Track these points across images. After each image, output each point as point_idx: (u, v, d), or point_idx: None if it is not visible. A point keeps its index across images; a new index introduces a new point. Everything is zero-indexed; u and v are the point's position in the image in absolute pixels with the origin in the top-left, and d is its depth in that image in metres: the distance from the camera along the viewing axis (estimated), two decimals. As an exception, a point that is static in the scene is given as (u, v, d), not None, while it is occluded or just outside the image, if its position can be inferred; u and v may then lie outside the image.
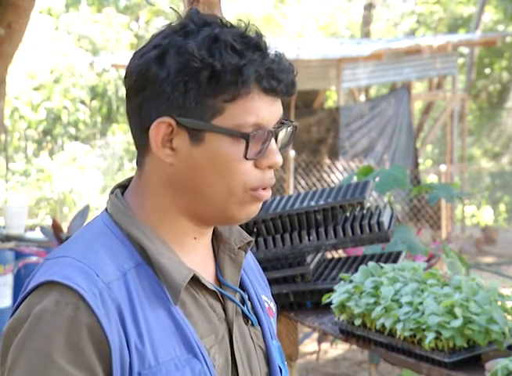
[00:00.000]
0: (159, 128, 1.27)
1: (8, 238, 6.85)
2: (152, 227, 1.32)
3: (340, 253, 7.48)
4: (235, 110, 1.26)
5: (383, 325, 2.44)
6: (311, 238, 2.91)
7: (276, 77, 1.27)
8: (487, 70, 22.03)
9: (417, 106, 18.11)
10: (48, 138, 15.63)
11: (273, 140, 1.30)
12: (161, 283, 1.28)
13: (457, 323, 2.23)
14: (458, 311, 2.25)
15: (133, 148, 16.87)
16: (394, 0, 24.00)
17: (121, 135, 16.49)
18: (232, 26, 1.30)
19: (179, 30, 1.28)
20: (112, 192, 1.38)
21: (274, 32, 21.53)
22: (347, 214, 2.99)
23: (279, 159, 1.31)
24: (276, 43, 13.98)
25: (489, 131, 22.01)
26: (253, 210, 1.33)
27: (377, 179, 3.63)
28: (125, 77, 1.33)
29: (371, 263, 2.67)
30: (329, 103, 17.68)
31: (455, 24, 22.21)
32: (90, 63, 15.65)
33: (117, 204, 1.34)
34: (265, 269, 1.84)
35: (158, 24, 18.69)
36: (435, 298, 2.35)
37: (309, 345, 7.25)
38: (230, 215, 1.32)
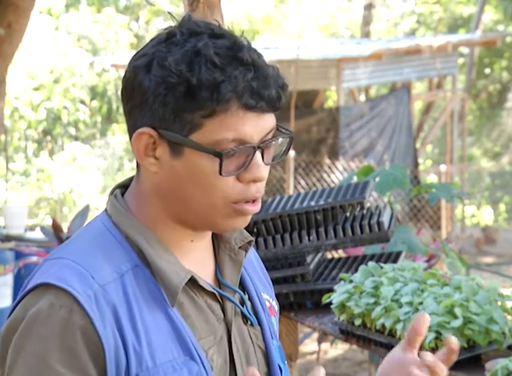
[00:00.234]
0: (141, 138, 1.28)
1: (8, 238, 6.85)
2: (150, 229, 1.32)
3: (340, 253, 7.48)
4: (214, 125, 1.25)
5: (383, 325, 2.44)
6: (311, 238, 2.91)
7: (258, 93, 1.25)
8: (487, 70, 22.03)
9: (417, 106, 18.11)
10: (48, 138, 15.63)
11: (258, 154, 1.28)
12: (159, 285, 1.29)
13: (457, 323, 2.23)
14: (458, 311, 2.25)
15: (133, 148, 16.91)
16: (394, 0, 24.01)
17: (121, 135, 16.48)
18: (222, 36, 1.28)
19: (165, 41, 1.28)
20: (112, 192, 1.38)
21: (274, 32, 21.53)
22: (347, 214, 2.99)
23: (262, 174, 1.29)
24: (276, 43, 13.99)
25: (489, 131, 22.01)
26: (238, 223, 1.32)
27: (377, 179, 3.63)
28: (122, 81, 1.34)
29: (371, 263, 2.67)
30: (329, 103, 17.68)
31: (455, 24, 22.21)
32: (90, 63, 15.66)
33: (117, 206, 1.34)
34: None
35: (158, 24, 18.70)
36: (435, 298, 2.35)
37: (309, 345, 7.26)
38: (216, 226, 1.32)
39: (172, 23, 1.33)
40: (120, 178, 15.08)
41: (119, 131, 16.71)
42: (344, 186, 3.11)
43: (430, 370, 1.28)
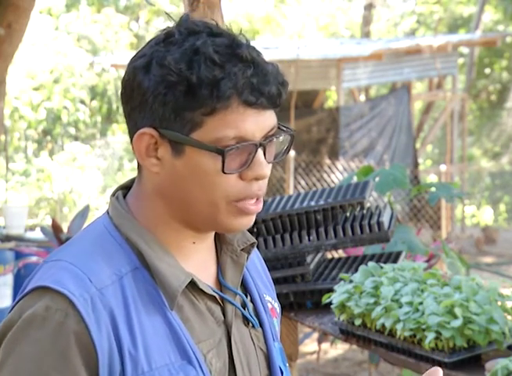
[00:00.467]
0: (142, 139, 1.27)
1: (8, 238, 6.85)
2: (151, 231, 1.31)
3: (340, 253, 7.47)
4: (214, 123, 1.24)
5: (383, 325, 2.44)
6: (311, 238, 2.91)
7: (258, 89, 1.25)
8: (487, 70, 22.03)
9: (417, 106, 18.11)
10: (48, 138, 15.63)
11: (260, 152, 1.28)
12: (158, 288, 1.28)
13: (457, 323, 2.23)
14: (458, 311, 2.25)
15: (133, 148, 16.89)
16: (394, 0, 24.01)
17: (121, 135, 16.48)
18: (220, 34, 1.28)
19: (163, 40, 1.28)
20: (113, 194, 1.37)
21: (274, 32, 21.53)
22: (347, 214, 2.99)
23: (265, 171, 1.28)
24: (276, 43, 13.99)
25: (489, 131, 22.01)
26: (242, 223, 1.31)
27: (377, 179, 3.63)
28: (121, 82, 1.33)
29: (371, 263, 2.67)
30: (329, 103, 17.68)
31: (455, 24, 22.21)
32: (90, 63, 15.66)
33: (118, 208, 1.34)
34: (265, 269, 1.84)
35: (158, 24, 18.69)
36: (435, 298, 2.35)
37: (309, 345, 7.25)
38: (219, 226, 1.31)
39: (170, 24, 1.33)
40: (121, 178, 15.09)
41: (119, 131, 16.71)
42: (344, 186, 3.11)
43: None
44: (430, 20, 22.32)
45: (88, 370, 1.20)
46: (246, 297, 1.41)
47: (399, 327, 2.36)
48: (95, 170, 14.65)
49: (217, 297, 1.35)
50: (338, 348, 7.30)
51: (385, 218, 2.93)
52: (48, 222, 12.58)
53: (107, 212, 1.36)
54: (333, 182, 11.40)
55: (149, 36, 17.81)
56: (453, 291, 2.38)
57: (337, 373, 6.95)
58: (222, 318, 1.34)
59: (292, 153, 10.79)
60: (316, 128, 12.02)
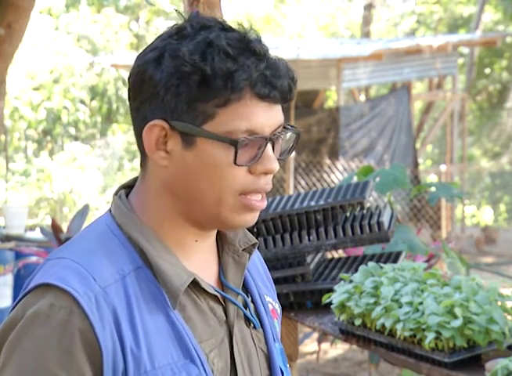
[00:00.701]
0: (152, 131, 1.27)
1: (8, 238, 6.85)
2: (154, 230, 1.31)
3: (340, 253, 7.48)
4: (226, 115, 1.25)
5: (383, 325, 2.44)
6: (311, 238, 2.91)
7: (270, 82, 1.26)
8: (487, 70, 22.03)
9: (417, 106, 18.11)
10: (48, 138, 15.63)
11: (269, 146, 1.29)
12: (161, 287, 1.28)
13: (457, 323, 2.23)
14: (458, 311, 2.25)
15: (133, 148, 16.77)
16: (394, 0, 24.00)
17: (121, 135, 16.48)
18: (232, 29, 1.29)
19: (176, 34, 1.29)
20: (116, 193, 1.37)
21: (274, 32, 21.53)
22: (347, 214, 2.99)
23: (274, 166, 1.29)
24: (276, 43, 13.98)
25: (489, 131, 22.01)
26: (246, 219, 1.31)
27: (377, 179, 3.63)
28: (128, 79, 1.33)
29: (371, 263, 2.66)
30: (329, 103, 17.68)
31: (455, 24, 22.21)
32: (90, 63, 15.66)
33: (120, 206, 1.34)
34: (265, 269, 1.84)
35: (158, 24, 18.69)
36: (435, 298, 2.35)
37: (309, 345, 7.25)
38: (223, 222, 1.31)
39: (172, 23, 1.33)
40: (121, 178, 15.09)
41: (119, 131, 16.71)
42: (344, 186, 3.10)
43: None
44: (430, 20, 22.32)
45: (92, 368, 1.20)
46: (248, 297, 1.41)
47: (399, 327, 2.36)
48: (95, 170, 14.65)
49: (219, 297, 1.34)
50: (338, 348, 7.30)
51: (385, 218, 2.93)
52: (48, 222, 12.58)
53: (109, 211, 1.35)
54: (333, 182, 11.40)
55: (149, 36, 17.82)
56: (453, 291, 2.38)
57: (337, 373, 6.95)
58: (224, 318, 1.34)
59: (292, 153, 10.77)
60: (316, 128, 12.02)
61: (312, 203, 2.95)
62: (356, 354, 7.26)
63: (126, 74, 15.43)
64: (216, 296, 1.34)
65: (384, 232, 2.88)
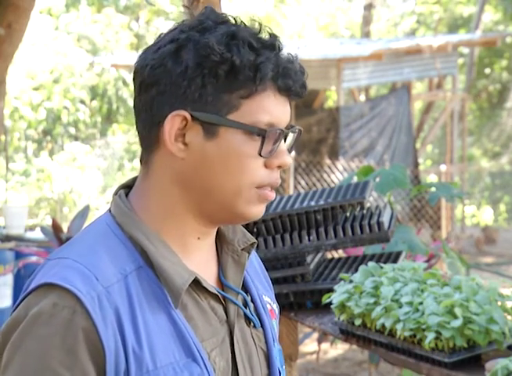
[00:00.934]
0: (174, 122, 1.27)
1: (8, 238, 6.85)
2: (155, 229, 1.31)
3: (340, 253, 7.48)
4: (250, 106, 1.26)
5: (383, 325, 2.44)
6: (311, 238, 2.90)
7: (291, 76, 1.28)
8: (487, 70, 22.03)
9: (417, 106, 18.11)
10: (48, 138, 15.63)
11: (283, 141, 1.31)
12: (162, 287, 1.28)
13: (457, 323, 2.23)
14: (458, 311, 2.25)
15: (133, 148, 16.74)
16: (394, 0, 24.00)
17: (121, 135, 16.48)
18: (245, 26, 1.30)
19: (197, 26, 1.29)
20: (116, 193, 1.37)
21: (274, 32, 21.51)
22: (347, 214, 2.98)
23: (288, 159, 1.32)
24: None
25: (489, 131, 22.01)
26: (259, 210, 1.32)
27: (377, 179, 3.63)
28: (135, 72, 1.32)
29: (371, 263, 2.66)
30: (329, 103, 17.69)
31: (455, 24, 22.21)
32: (90, 63, 15.66)
33: (120, 206, 1.33)
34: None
35: (158, 24, 18.69)
36: (435, 298, 2.35)
37: (309, 345, 7.26)
38: (237, 214, 1.31)
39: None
40: (121, 178, 15.09)
41: (119, 131, 16.71)
42: (344, 186, 3.10)
43: None
44: (430, 20, 22.32)
45: (95, 367, 1.20)
46: (247, 297, 1.41)
47: (399, 327, 2.36)
48: (95, 170, 14.65)
49: (219, 296, 1.35)
50: (338, 348, 7.30)
51: (385, 218, 2.93)
52: (48, 222, 12.58)
53: (109, 211, 1.35)
54: (333, 182, 11.40)
55: (149, 36, 17.82)
56: (453, 290, 2.38)
57: (337, 373, 6.95)
58: (225, 317, 1.35)
59: (292, 153, 10.78)
60: (316, 128, 12.02)
61: (312, 203, 2.95)
62: (356, 354, 7.26)
63: (126, 74, 15.44)
64: (217, 295, 1.34)
65: (384, 232, 2.88)
